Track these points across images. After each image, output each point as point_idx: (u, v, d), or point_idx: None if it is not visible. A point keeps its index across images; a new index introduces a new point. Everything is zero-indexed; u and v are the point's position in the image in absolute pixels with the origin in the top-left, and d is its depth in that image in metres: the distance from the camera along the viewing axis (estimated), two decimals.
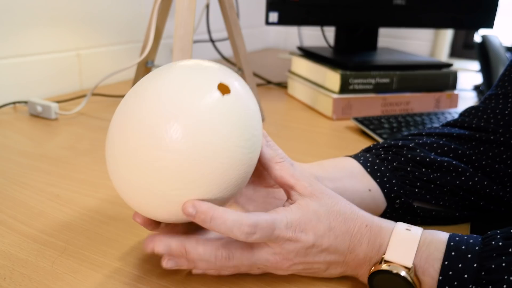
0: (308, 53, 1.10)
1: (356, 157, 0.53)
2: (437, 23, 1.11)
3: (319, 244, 0.39)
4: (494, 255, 0.35)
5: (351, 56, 1.03)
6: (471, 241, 0.37)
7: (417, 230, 0.39)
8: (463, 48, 1.70)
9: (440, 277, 0.36)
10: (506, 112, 0.51)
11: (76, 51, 1.06)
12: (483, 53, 1.14)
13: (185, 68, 0.38)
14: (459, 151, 0.51)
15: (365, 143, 0.79)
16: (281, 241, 0.38)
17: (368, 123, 0.84)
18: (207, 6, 1.25)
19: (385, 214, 0.51)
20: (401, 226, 0.40)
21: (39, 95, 0.98)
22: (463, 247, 0.36)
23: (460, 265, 0.35)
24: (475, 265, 0.35)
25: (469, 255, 0.36)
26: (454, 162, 0.50)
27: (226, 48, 1.44)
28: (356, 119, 0.86)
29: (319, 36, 1.67)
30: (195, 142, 0.34)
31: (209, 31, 1.28)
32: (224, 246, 0.38)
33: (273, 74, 1.32)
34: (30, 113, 0.88)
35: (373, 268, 0.38)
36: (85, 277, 0.42)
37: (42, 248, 0.46)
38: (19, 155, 0.69)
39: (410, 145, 0.52)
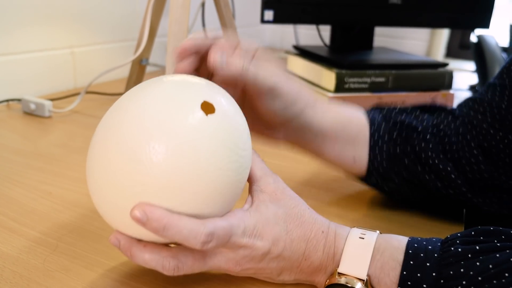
0: (303, 52, 1.10)
1: (372, 120, 0.53)
2: (433, 23, 1.11)
3: (275, 250, 0.37)
4: (453, 261, 0.34)
5: (347, 55, 1.03)
6: (429, 247, 0.36)
7: (371, 236, 0.38)
8: (459, 48, 1.71)
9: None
10: (503, 106, 0.51)
11: (70, 49, 1.05)
12: (479, 53, 1.14)
13: (169, 85, 0.36)
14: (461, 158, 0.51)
15: None
16: (237, 247, 0.36)
17: None
18: (203, 5, 1.24)
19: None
20: (355, 232, 0.39)
21: (33, 93, 0.98)
22: (422, 254, 0.36)
23: (418, 275, 0.35)
24: (434, 274, 0.34)
25: (428, 263, 0.35)
26: (452, 176, 0.49)
27: None
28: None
29: (315, 35, 1.67)
30: (177, 165, 0.33)
31: (204, 30, 1.27)
32: (174, 256, 0.35)
33: None
34: (23, 111, 0.88)
35: (327, 281, 0.38)
36: (77, 275, 0.41)
37: (33, 245, 0.45)
38: (12, 153, 0.68)
39: (427, 137, 0.51)
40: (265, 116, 0.46)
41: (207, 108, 0.35)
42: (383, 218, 0.54)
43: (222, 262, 0.37)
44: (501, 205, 0.50)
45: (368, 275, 0.36)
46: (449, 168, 0.50)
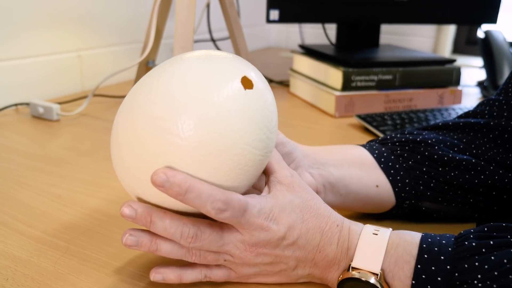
0: (309, 51, 1.09)
1: (370, 149, 0.52)
2: (440, 19, 1.11)
3: (290, 236, 0.37)
4: (468, 255, 0.34)
5: (353, 53, 1.03)
6: (443, 242, 0.36)
7: (384, 233, 0.38)
8: (466, 44, 1.70)
9: (413, 281, 0.35)
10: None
11: (77, 52, 1.06)
12: (487, 49, 1.14)
13: (195, 60, 0.36)
14: (481, 148, 0.50)
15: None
16: (252, 227, 0.36)
17: (371, 120, 0.83)
18: (208, 5, 1.24)
19: (391, 211, 0.51)
20: (369, 229, 0.39)
21: (41, 97, 0.98)
22: (436, 248, 0.36)
23: (433, 268, 0.35)
24: (448, 267, 0.34)
25: (442, 257, 0.35)
26: (473, 160, 0.49)
27: (227, 47, 1.43)
28: (359, 116, 0.86)
29: (320, 34, 1.67)
30: (207, 135, 0.33)
31: (210, 31, 1.28)
32: (193, 223, 0.36)
33: (275, 72, 1.32)
34: (32, 115, 0.88)
35: (341, 276, 0.38)
36: (88, 277, 0.41)
37: (44, 248, 0.45)
38: (21, 156, 0.69)
39: (429, 141, 0.50)
40: None
41: (245, 82, 0.36)
42: (390, 220, 0.53)
43: (238, 240, 0.37)
44: None
45: (382, 269, 0.36)
46: (465, 157, 0.49)
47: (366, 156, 0.51)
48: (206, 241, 0.36)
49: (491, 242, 0.34)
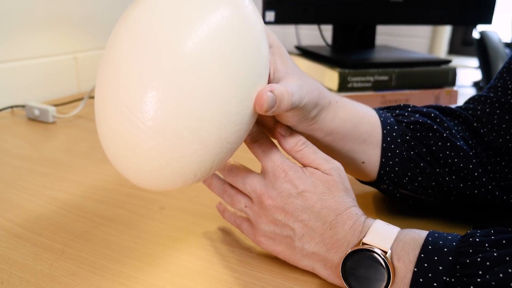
0: (306, 52, 1.09)
1: (384, 121, 0.50)
2: (435, 20, 1.11)
3: (304, 199, 0.40)
4: (471, 251, 0.35)
5: (349, 54, 1.03)
6: (449, 237, 0.37)
7: (395, 227, 0.40)
8: (461, 44, 1.70)
9: (415, 269, 0.35)
10: (506, 106, 0.50)
11: (73, 54, 1.06)
12: (482, 50, 1.14)
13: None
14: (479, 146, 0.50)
15: None
16: (274, 170, 0.41)
17: None
18: None
19: (364, 182, 0.53)
20: (381, 221, 0.40)
21: (37, 99, 0.98)
22: (441, 242, 0.36)
23: (435, 258, 0.35)
24: (450, 258, 0.35)
25: (445, 249, 0.35)
26: (476, 174, 0.48)
27: None
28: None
29: (316, 35, 1.66)
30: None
31: None
32: (235, 161, 0.44)
33: None
34: (27, 117, 0.88)
35: (350, 250, 0.38)
36: (84, 280, 0.41)
37: (39, 251, 0.45)
38: (16, 159, 0.68)
39: (444, 135, 0.49)
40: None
41: None
42: (391, 222, 0.53)
43: (261, 183, 0.42)
44: None
45: (390, 250, 0.37)
46: (471, 166, 0.48)
47: (375, 130, 0.50)
48: (235, 174, 0.43)
49: (493, 238, 0.35)
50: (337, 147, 0.48)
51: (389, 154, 0.49)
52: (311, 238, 0.40)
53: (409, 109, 0.53)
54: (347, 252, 0.38)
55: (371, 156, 0.50)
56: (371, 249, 0.37)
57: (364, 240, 0.38)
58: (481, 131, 0.50)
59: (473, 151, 0.50)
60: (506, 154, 0.49)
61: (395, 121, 0.51)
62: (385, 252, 0.36)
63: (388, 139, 0.50)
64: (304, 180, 0.41)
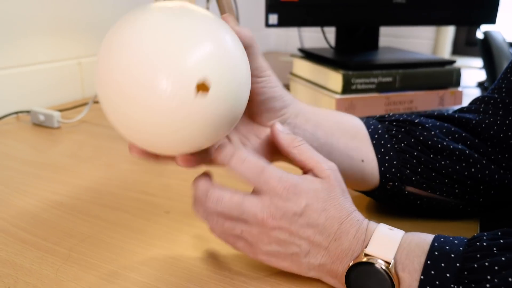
0: (309, 55, 1.09)
1: (366, 122, 0.52)
2: (439, 20, 1.11)
3: (308, 216, 0.38)
4: (478, 255, 0.34)
5: (353, 56, 1.03)
6: (455, 242, 0.36)
7: (399, 231, 0.39)
8: (465, 45, 1.70)
9: (422, 277, 0.35)
10: (510, 107, 0.50)
11: (77, 59, 1.06)
12: (486, 49, 1.13)
13: (169, 12, 0.36)
14: (475, 140, 0.50)
15: None
16: (271, 190, 0.38)
17: None
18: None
19: (374, 192, 0.51)
20: (384, 226, 0.39)
21: (42, 104, 0.98)
22: (447, 247, 0.36)
23: (442, 264, 0.35)
24: (457, 264, 0.34)
25: (452, 255, 0.35)
26: (467, 151, 0.49)
27: None
28: (360, 119, 0.85)
29: (319, 38, 1.66)
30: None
31: None
32: (220, 187, 0.39)
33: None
34: (32, 123, 0.88)
35: (352, 262, 0.38)
36: (90, 284, 0.41)
37: (45, 256, 0.45)
38: (22, 164, 0.69)
39: (426, 126, 0.50)
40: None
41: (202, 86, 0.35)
42: (394, 224, 0.53)
43: (258, 207, 0.38)
44: None
45: (394, 260, 0.36)
46: (460, 146, 0.49)
47: (360, 129, 0.51)
48: (227, 206, 0.38)
49: (502, 241, 0.34)
50: (333, 144, 0.48)
51: (382, 149, 0.50)
52: (317, 252, 0.39)
53: (386, 115, 0.54)
54: (350, 265, 0.38)
55: (367, 153, 0.49)
56: (373, 261, 0.36)
57: (367, 251, 0.37)
58: (482, 125, 0.50)
59: (468, 142, 0.50)
60: (506, 149, 0.49)
61: (376, 121, 0.52)
62: (388, 263, 0.36)
63: (376, 136, 0.50)
64: (306, 192, 0.39)
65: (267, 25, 0.97)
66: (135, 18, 0.36)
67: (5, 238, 0.48)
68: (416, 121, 0.51)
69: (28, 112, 0.92)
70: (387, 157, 0.49)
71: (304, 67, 1.07)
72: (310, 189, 0.39)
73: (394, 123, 0.52)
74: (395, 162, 0.49)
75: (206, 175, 0.41)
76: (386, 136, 0.50)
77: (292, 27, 1.50)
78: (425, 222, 0.52)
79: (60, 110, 0.91)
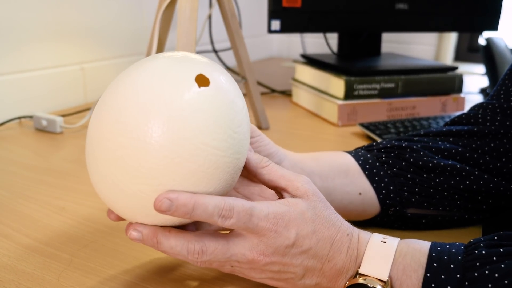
0: (311, 60, 1.10)
1: (356, 155, 0.52)
2: (441, 27, 1.11)
3: (300, 244, 0.37)
4: (478, 264, 0.34)
5: (355, 62, 1.03)
6: (453, 250, 0.36)
7: (393, 241, 0.38)
8: (467, 51, 1.70)
9: None
10: (508, 112, 0.50)
11: (80, 64, 1.07)
12: (488, 56, 1.14)
13: (166, 60, 0.36)
14: (466, 154, 0.50)
15: None
16: (260, 231, 0.36)
17: (374, 129, 0.83)
18: (209, 17, 1.25)
19: (376, 218, 0.51)
20: (377, 237, 0.39)
21: (44, 110, 0.99)
22: (445, 257, 0.35)
23: (443, 276, 0.34)
24: (458, 275, 0.34)
25: (452, 266, 0.34)
26: (458, 166, 0.49)
27: (229, 58, 1.44)
28: (362, 125, 0.86)
29: (322, 44, 1.67)
30: (172, 141, 0.33)
31: (212, 42, 1.28)
32: (198, 239, 0.36)
33: (277, 82, 1.32)
34: (35, 128, 0.88)
35: (347, 282, 0.37)
36: None
37: (47, 261, 0.45)
38: (24, 169, 0.69)
39: (414, 147, 0.51)
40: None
41: (202, 81, 0.35)
42: (394, 229, 0.53)
43: (246, 248, 0.36)
44: None
45: (389, 277, 0.36)
46: (450, 162, 0.49)
47: (351, 163, 0.51)
48: (212, 255, 0.36)
49: (501, 250, 0.34)
50: (329, 186, 0.48)
51: (376, 178, 0.50)
52: (312, 274, 0.38)
53: (374, 143, 0.55)
54: (345, 285, 0.37)
55: (362, 184, 0.50)
56: (368, 283, 0.36)
57: (361, 271, 0.37)
58: (480, 126, 0.51)
59: (460, 149, 0.50)
60: (504, 154, 0.49)
61: (365, 152, 0.53)
62: (384, 282, 0.35)
63: (367, 166, 0.51)
64: (294, 219, 0.37)
65: (270, 31, 0.97)
66: (133, 67, 0.37)
67: (7, 243, 0.48)
68: (404, 145, 0.51)
69: (30, 117, 0.92)
70: (382, 184, 0.50)
71: (306, 73, 1.07)
72: (297, 213, 0.37)
73: (383, 150, 0.52)
74: (391, 187, 0.50)
75: (172, 230, 0.37)
76: (377, 164, 0.51)
77: (294, 33, 1.50)
78: (426, 230, 0.52)
79: (63, 115, 0.91)
